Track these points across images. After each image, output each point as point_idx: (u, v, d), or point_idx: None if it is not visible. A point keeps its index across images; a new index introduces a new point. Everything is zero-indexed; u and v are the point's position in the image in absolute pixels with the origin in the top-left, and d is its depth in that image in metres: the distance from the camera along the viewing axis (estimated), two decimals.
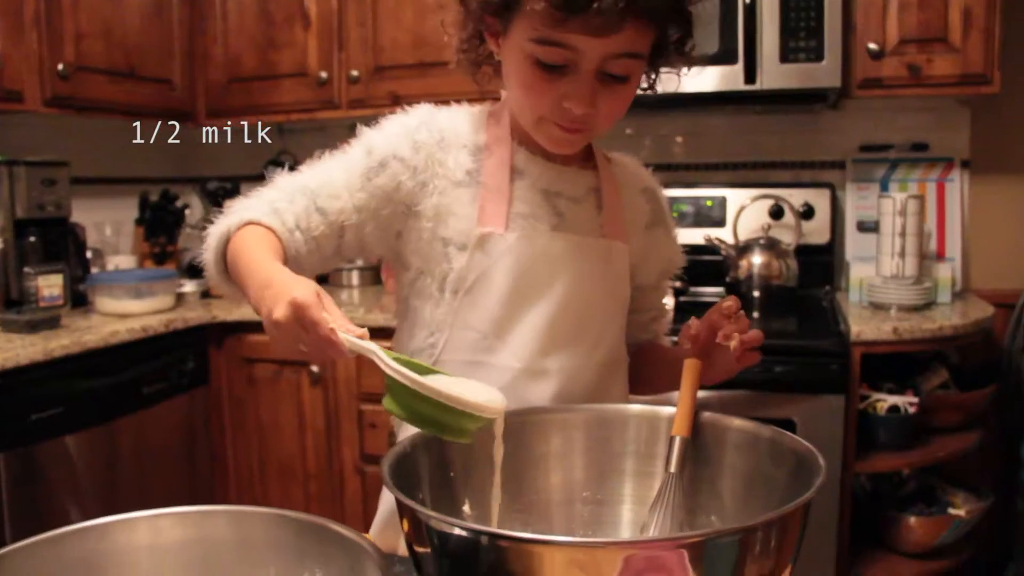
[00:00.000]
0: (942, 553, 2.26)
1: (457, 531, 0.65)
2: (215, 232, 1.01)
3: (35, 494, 2.08)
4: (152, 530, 0.74)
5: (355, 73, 2.83)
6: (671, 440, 0.89)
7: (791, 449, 0.83)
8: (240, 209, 1.02)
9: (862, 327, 2.14)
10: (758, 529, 0.66)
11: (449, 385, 0.79)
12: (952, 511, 2.27)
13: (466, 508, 0.88)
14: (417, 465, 0.84)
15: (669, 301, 1.29)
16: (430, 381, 0.77)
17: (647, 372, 1.24)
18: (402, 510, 0.68)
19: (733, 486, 0.89)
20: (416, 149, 1.08)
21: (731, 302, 1.00)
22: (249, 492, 2.74)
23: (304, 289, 0.81)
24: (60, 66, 2.49)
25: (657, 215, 1.21)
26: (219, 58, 3.01)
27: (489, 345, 1.07)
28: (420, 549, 0.69)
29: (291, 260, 1.00)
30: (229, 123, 3.08)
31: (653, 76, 1.09)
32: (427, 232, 1.08)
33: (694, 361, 0.96)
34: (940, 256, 2.66)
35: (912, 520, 2.22)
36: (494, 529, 0.66)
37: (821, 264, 2.69)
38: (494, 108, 1.15)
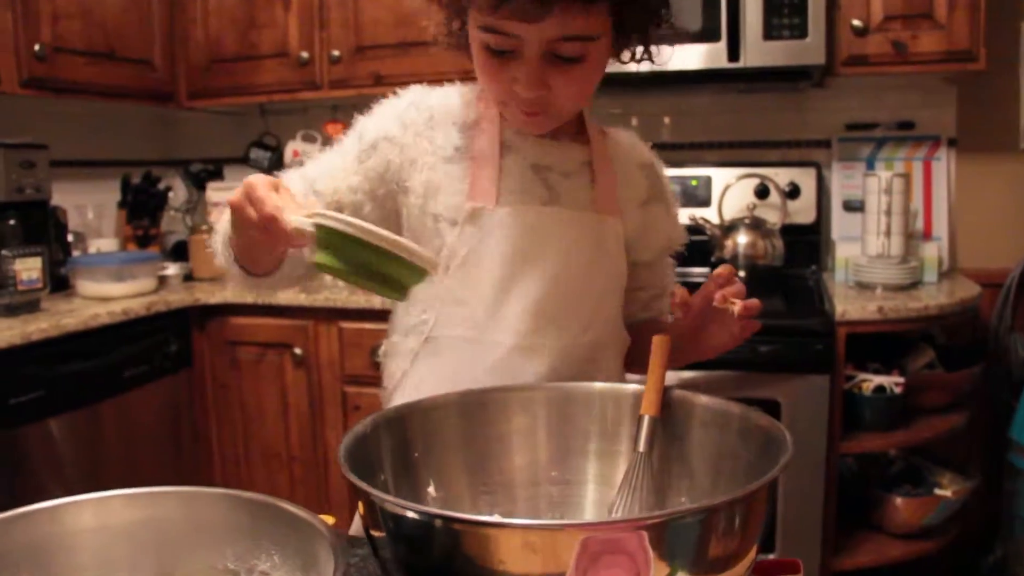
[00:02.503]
0: (929, 533, 2.26)
1: (410, 515, 0.63)
2: (221, 226, 1.05)
3: (17, 478, 2.07)
4: (103, 512, 0.72)
5: (336, 53, 2.79)
6: (639, 419, 0.87)
7: (759, 426, 0.81)
8: None
9: (847, 307, 2.13)
10: (721, 509, 0.64)
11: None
12: (939, 491, 2.26)
13: (431, 490, 0.87)
14: (378, 446, 0.82)
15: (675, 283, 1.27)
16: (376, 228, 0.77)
17: (647, 351, 1.21)
18: (357, 493, 0.67)
19: (702, 465, 0.87)
20: (404, 128, 1.10)
21: (724, 268, 0.98)
22: (235, 476, 2.73)
23: (257, 175, 0.87)
24: (36, 47, 2.45)
25: (655, 191, 1.18)
26: (200, 39, 2.96)
27: (480, 321, 1.07)
28: (376, 533, 0.68)
29: None
30: (210, 105, 3.05)
31: (638, 51, 1.08)
32: (417, 208, 1.09)
33: (663, 337, 0.94)
34: (927, 235, 2.64)
35: (899, 500, 2.22)
36: (447, 512, 0.64)
37: (807, 244, 2.68)
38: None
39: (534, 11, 0.90)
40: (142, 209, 3.07)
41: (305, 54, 2.83)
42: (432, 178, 1.09)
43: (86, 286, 2.51)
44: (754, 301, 0.97)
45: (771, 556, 2.14)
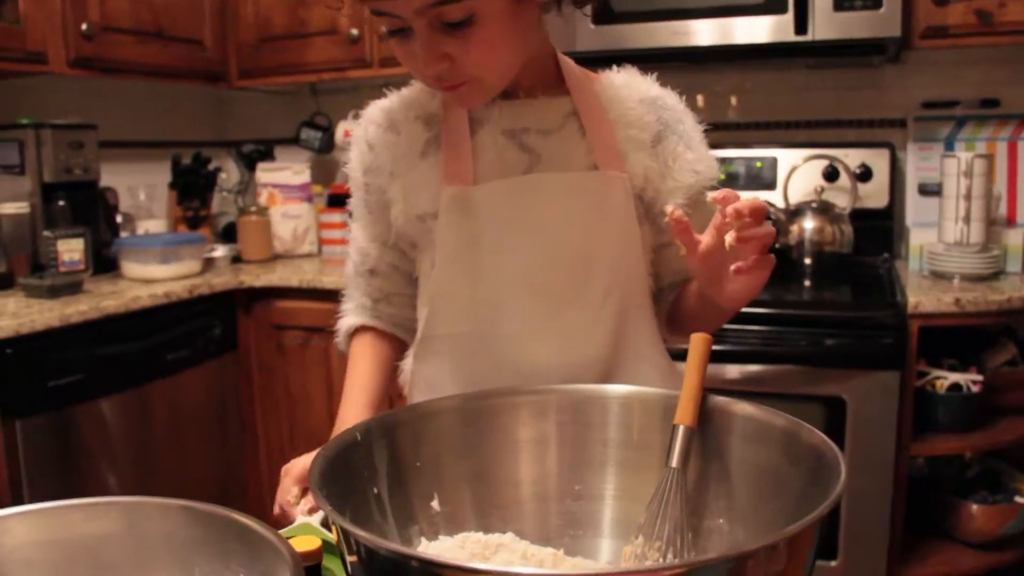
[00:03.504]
0: (1007, 544, 2.09)
1: (384, 552, 0.54)
2: (341, 331, 1.17)
3: (57, 461, 2.04)
4: (59, 525, 0.65)
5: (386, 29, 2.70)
6: (673, 429, 0.76)
7: (808, 444, 0.70)
8: (347, 313, 1.17)
9: (921, 298, 1.97)
10: (758, 554, 0.53)
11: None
12: (1019, 499, 2.10)
13: (435, 504, 0.77)
14: (371, 455, 0.73)
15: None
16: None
17: (694, 315, 1.06)
18: (328, 515, 0.58)
19: (743, 484, 0.76)
20: (372, 149, 1.06)
21: (721, 192, 0.80)
22: (279, 460, 2.66)
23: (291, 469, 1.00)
24: (84, 26, 2.42)
25: (667, 124, 1.04)
26: (250, 17, 2.91)
27: (482, 312, 0.98)
28: (350, 558, 0.58)
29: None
30: (261, 84, 3.00)
31: None
32: (403, 216, 1.04)
33: (703, 337, 0.82)
34: (1011, 221, 2.45)
35: (974, 507, 2.06)
36: (423, 554, 0.55)
37: (878, 230, 2.51)
38: None
39: None
40: (192, 190, 3.04)
41: (355, 31, 2.76)
42: (410, 180, 1.03)
43: (131, 268, 2.48)
44: (766, 227, 0.79)
45: (832, 564, 2.01)
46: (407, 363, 1.09)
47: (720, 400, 0.79)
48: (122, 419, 2.24)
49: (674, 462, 0.75)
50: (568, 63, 1.06)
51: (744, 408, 0.77)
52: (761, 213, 0.79)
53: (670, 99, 1.07)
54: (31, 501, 1.93)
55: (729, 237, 0.79)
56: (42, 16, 2.33)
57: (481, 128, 1.01)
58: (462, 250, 0.99)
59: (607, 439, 0.81)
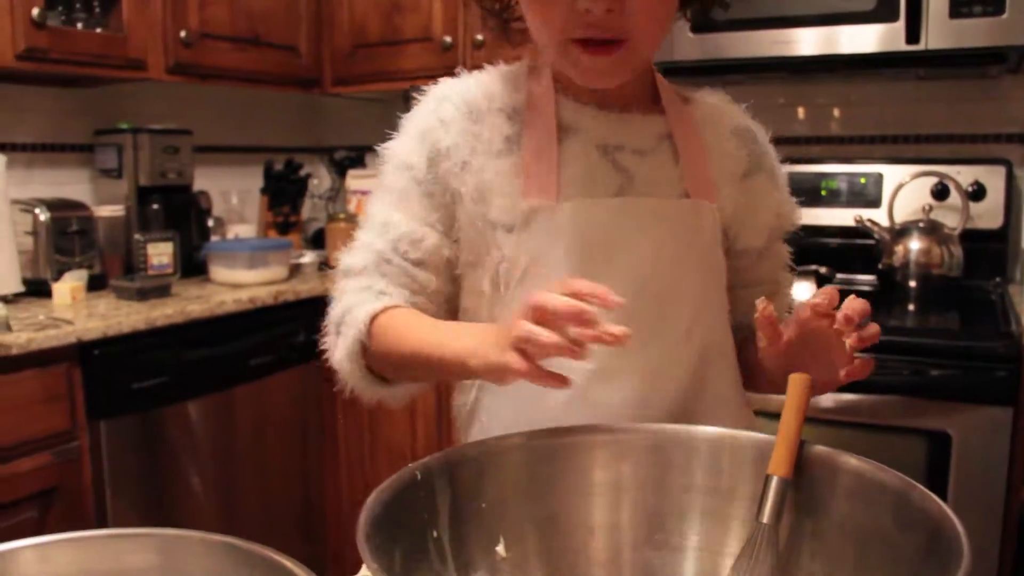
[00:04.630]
0: None
1: None
2: (344, 343, 0.91)
3: (140, 462, 2.07)
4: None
5: (480, 37, 2.68)
6: (766, 480, 0.69)
7: (923, 510, 0.61)
8: (351, 310, 0.92)
9: None
10: None
11: None
12: None
13: (500, 549, 0.71)
14: (433, 496, 0.67)
15: (793, 280, 1.05)
16: None
17: (753, 369, 0.99)
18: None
19: (844, 546, 0.67)
20: (446, 127, 0.93)
21: (825, 294, 0.76)
22: (360, 473, 2.67)
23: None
24: (183, 33, 2.45)
25: (756, 159, 0.99)
26: (345, 24, 2.92)
27: None
28: None
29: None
30: (354, 91, 3.01)
31: None
32: (471, 218, 0.93)
33: (802, 377, 0.74)
34: None
35: None
36: None
37: (991, 252, 2.35)
38: (534, 64, 0.97)
39: None
40: (283, 195, 3.07)
41: (448, 38, 2.73)
42: (483, 179, 0.91)
43: (219, 272, 2.50)
44: (873, 328, 0.76)
45: None
46: (460, 396, 1.00)
47: (821, 450, 0.71)
48: (205, 423, 2.25)
49: (766, 517, 0.68)
50: (663, 81, 0.99)
51: (848, 461, 0.69)
52: (867, 315, 0.75)
53: (760, 133, 1.01)
54: (114, 501, 1.98)
55: (850, 340, 0.75)
56: (143, 24, 2.38)
57: (571, 137, 0.92)
58: (539, 273, 0.89)
59: (691, 485, 0.74)
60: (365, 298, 0.92)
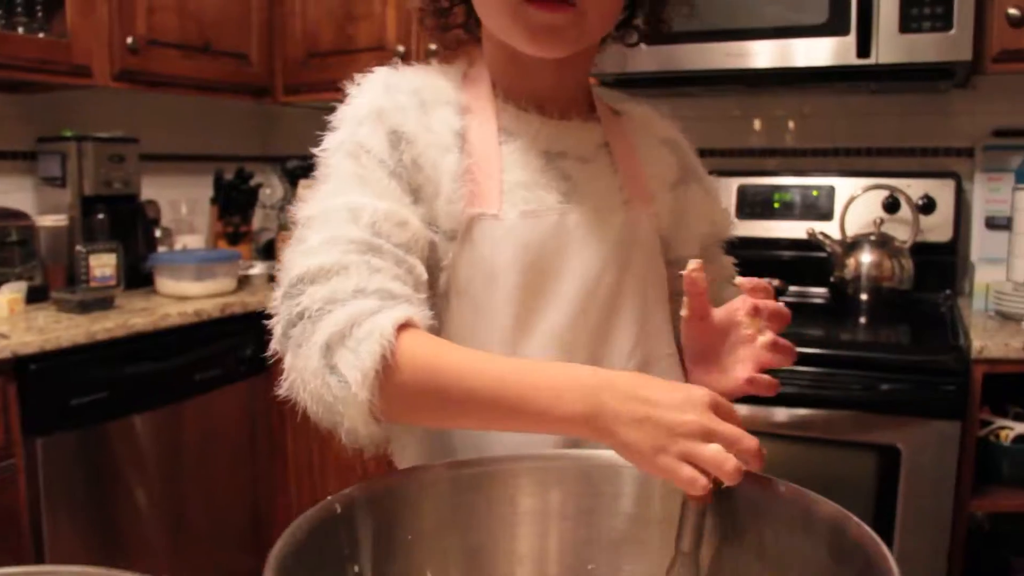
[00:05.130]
0: None
1: None
2: (358, 363, 0.70)
3: (80, 480, 2.00)
4: None
5: (434, 47, 2.65)
6: (683, 505, 0.66)
7: (856, 543, 0.59)
8: (361, 320, 0.72)
9: (986, 342, 1.83)
10: None
11: None
12: None
13: None
14: (354, 528, 0.64)
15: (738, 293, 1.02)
16: None
17: None
18: None
19: None
20: (404, 114, 0.84)
21: (754, 282, 0.77)
22: (309, 486, 2.62)
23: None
24: (129, 40, 2.40)
25: (686, 168, 0.99)
26: (297, 32, 2.88)
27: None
28: None
29: None
30: (307, 100, 2.96)
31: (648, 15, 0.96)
32: (421, 215, 0.84)
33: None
34: None
35: None
36: None
37: (941, 265, 2.37)
38: (468, 69, 0.94)
39: None
40: (234, 205, 3.01)
41: (402, 48, 2.71)
42: (432, 178, 0.84)
43: (165, 284, 2.44)
44: (780, 309, 0.76)
45: None
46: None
47: (755, 476, 0.69)
48: (150, 439, 2.19)
49: (684, 545, 0.66)
50: (597, 92, 0.98)
51: (781, 490, 0.67)
52: (784, 323, 0.76)
53: (684, 142, 1.02)
54: (51, 522, 1.91)
55: (764, 338, 0.75)
56: (88, 29, 2.32)
57: (514, 142, 0.88)
58: (480, 288, 0.84)
59: (621, 512, 0.72)
60: (371, 305, 0.73)
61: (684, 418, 0.62)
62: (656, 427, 0.63)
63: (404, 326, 0.72)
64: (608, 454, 0.68)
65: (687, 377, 0.85)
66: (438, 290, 0.85)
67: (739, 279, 0.77)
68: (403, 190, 0.82)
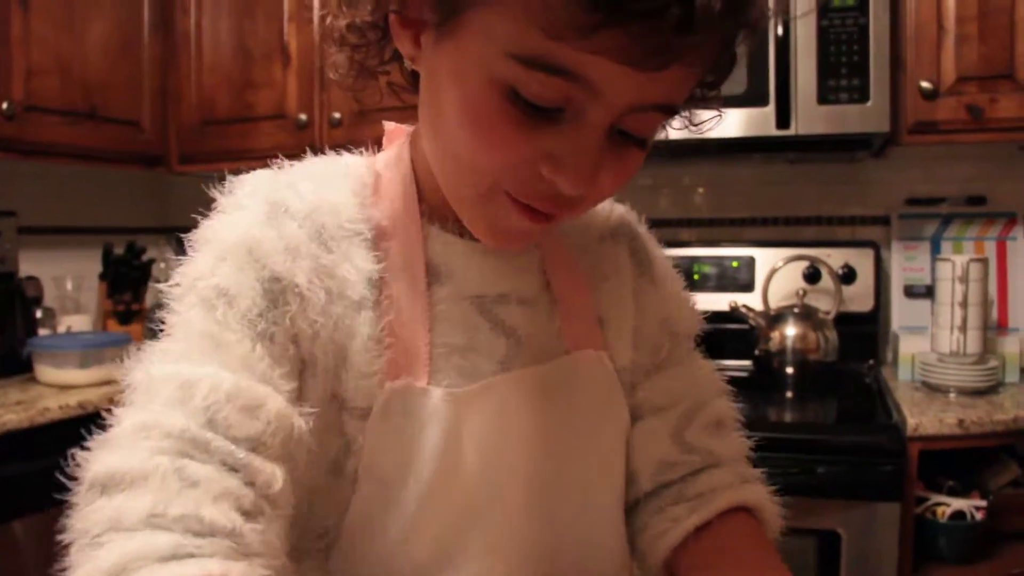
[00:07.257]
0: None
1: None
2: None
3: None
4: None
5: (337, 115, 2.54)
6: None
7: None
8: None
9: (920, 418, 1.78)
10: None
11: None
12: None
13: None
14: None
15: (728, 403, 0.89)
16: None
17: None
18: None
19: None
20: (292, 256, 0.63)
21: None
22: None
23: None
24: (5, 105, 2.21)
25: (640, 260, 0.80)
26: (192, 99, 2.72)
27: (409, 570, 0.66)
28: None
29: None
30: (204, 170, 2.80)
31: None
32: (312, 388, 0.64)
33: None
34: (1002, 327, 2.30)
35: None
36: None
37: (863, 335, 2.34)
38: (382, 157, 0.72)
39: (658, 54, 0.51)
40: (124, 282, 2.80)
41: (303, 116, 2.58)
42: (338, 342, 0.64)
43: (46, 372, 2.22)
44: None
45: None
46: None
47: None
48: (30, 546, 1.96)
49: None
50: None
51: None
52: None
53: (636, 225, 0.83)
54: None
55: None
56: None
57: (441, 285, 0.68)
58: (396, 483, 0.65)
59: None
60: (162, 544, 0.50)
61: None
62: None
63: None
64: None
65: None
66: (344, 476, 0.66)
67: None
68: (274, 360, 0.61)
